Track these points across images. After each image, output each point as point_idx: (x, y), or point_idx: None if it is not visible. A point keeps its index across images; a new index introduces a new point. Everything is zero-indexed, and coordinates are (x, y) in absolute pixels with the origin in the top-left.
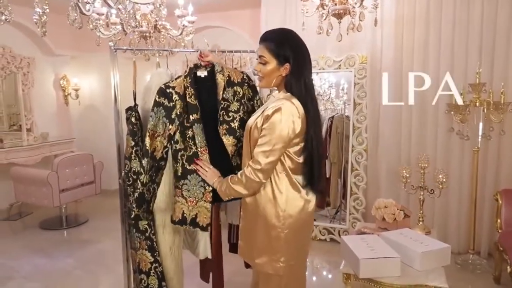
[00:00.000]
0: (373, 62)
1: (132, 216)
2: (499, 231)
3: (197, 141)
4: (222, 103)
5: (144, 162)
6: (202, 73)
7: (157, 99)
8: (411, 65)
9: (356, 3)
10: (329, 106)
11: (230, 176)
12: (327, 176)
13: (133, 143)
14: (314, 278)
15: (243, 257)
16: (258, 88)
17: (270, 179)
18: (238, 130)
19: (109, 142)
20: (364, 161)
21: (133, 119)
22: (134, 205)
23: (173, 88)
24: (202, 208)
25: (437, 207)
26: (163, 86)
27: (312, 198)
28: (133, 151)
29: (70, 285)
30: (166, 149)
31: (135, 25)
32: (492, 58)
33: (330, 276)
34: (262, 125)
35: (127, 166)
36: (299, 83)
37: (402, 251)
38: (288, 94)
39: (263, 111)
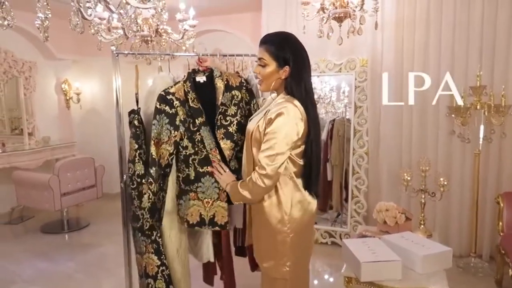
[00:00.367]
0: (373, 65)
1: (147, 227)
2: (501, 234)
3: (206, 144)
4: (220, 108)
5: (153, 171)
6: (201, 78)
7: (158, 106)
8: (412, 68)
9: (356, 7)
10: (330, 109)
11: (241, 180)
12: (329, 179)
13: (136, 146)
14: (316, 282)
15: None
16: (260, 93)
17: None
18: (235, 134)
19: (110, 146)
20: (365, 164)
21: (136, 122)
22: (148, 216)
23: (173, 94)
24: (219, 208)
25: (438, 210)
26: (162, 93)
27: (313, 200)
28: (137, 154)
29: None
30: (172, 156)
31: (136, 30)
32: (492, 60)
33: (331, 279)
34: (265, 129)
35: (131, 169)
36: (299, 86)
37: (403, 254)
38: (289, 96)
39: (265, 114)
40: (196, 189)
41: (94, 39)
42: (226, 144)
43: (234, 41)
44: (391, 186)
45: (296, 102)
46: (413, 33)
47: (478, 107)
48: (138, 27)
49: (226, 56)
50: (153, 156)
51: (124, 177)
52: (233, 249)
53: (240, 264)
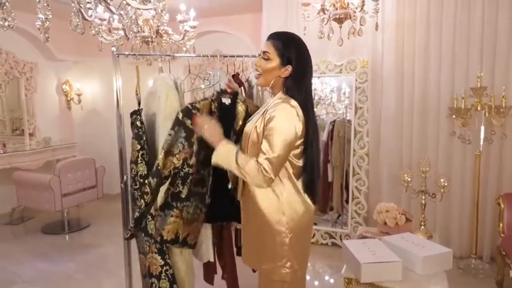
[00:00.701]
0: (374, 66)
1: (129, 235)
2: (502, 235)
3: (207, 164)
4: (236, 134)
5: (153, 182)
6: (226, 100)
7: (180, 117)
8: (412, 69)
9: (357, 8)
10: (330, 110)
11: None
12: (329, 180)
13: (139, 146)
14: (316, 283)
15: (247, 263)
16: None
17: (273, 184)
18: None
19: (111, 147)
20: (365, 165)
21: (138, 123)
22: (133, 225)
23: (199, 110)
24: (195, 228)
25: (439, 211)
26: (189, 106)
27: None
28: (139, 155)
29: None
30: (176, 170)
31: (137, 30)
32: (493, 61)
33: (331, 280)
34: (264, 130)
35: (133, 170)
36: (300, 87)
37: (403, 255)
38: (286, 96)
39: (262, 114)
40: (182, 208)
41: (94, 40)
42: None
43: (235, 42)
44: (391, 187)
45: (293, 102)
46: (414, 34)
47: (478, 108)
48: (139, 28)
49: (227, 57)
50: (159, 167)
51: (125, 177)
52: (234, 249)
53: (241, 264)
